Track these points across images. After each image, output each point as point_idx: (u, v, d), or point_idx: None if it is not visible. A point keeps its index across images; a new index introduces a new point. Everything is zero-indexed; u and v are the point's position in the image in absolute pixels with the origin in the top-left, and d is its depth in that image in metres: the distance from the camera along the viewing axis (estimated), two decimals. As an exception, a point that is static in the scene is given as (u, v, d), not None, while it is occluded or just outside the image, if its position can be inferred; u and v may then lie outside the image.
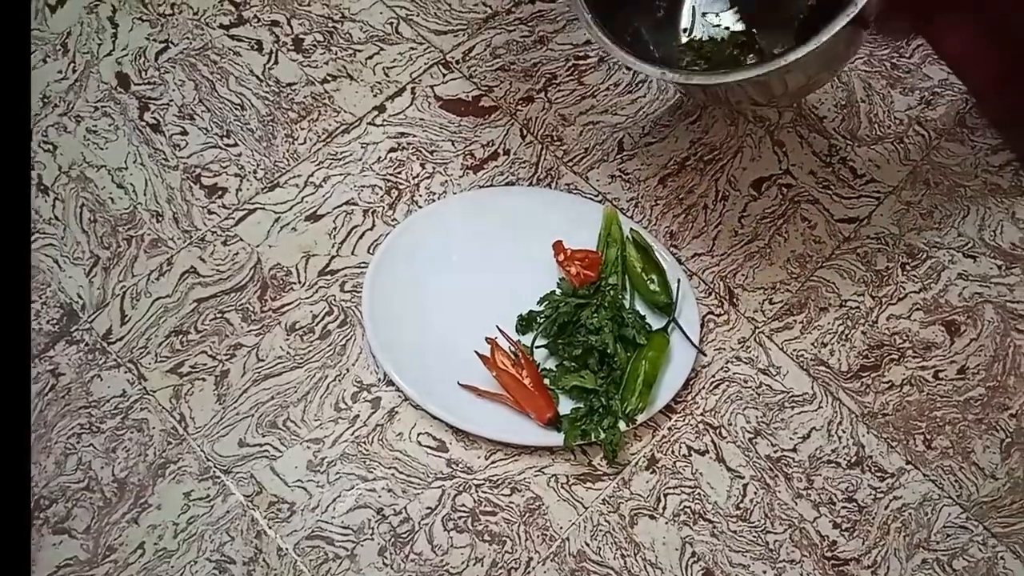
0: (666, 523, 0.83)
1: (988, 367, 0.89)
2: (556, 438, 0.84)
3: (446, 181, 0.97)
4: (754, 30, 0.95)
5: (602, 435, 0.83)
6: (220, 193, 0.96)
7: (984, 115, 0.99)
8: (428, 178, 0.97)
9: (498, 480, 0.84)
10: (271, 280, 0.91)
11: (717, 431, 0.86)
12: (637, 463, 0.85)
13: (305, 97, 1.01)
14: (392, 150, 0.98)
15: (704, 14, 0.95)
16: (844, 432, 0.86)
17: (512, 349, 0.87)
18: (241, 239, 0.93)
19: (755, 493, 0.84)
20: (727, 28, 0.95)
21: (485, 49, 1.04)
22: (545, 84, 1.02)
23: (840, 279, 0.93)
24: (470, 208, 0.94)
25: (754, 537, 0.82)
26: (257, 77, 1.02)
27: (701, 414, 0.87)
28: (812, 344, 0.90)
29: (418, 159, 0.98)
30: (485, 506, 0.83)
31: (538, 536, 0.82)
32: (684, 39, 0.96)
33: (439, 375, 0.86)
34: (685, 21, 0.96)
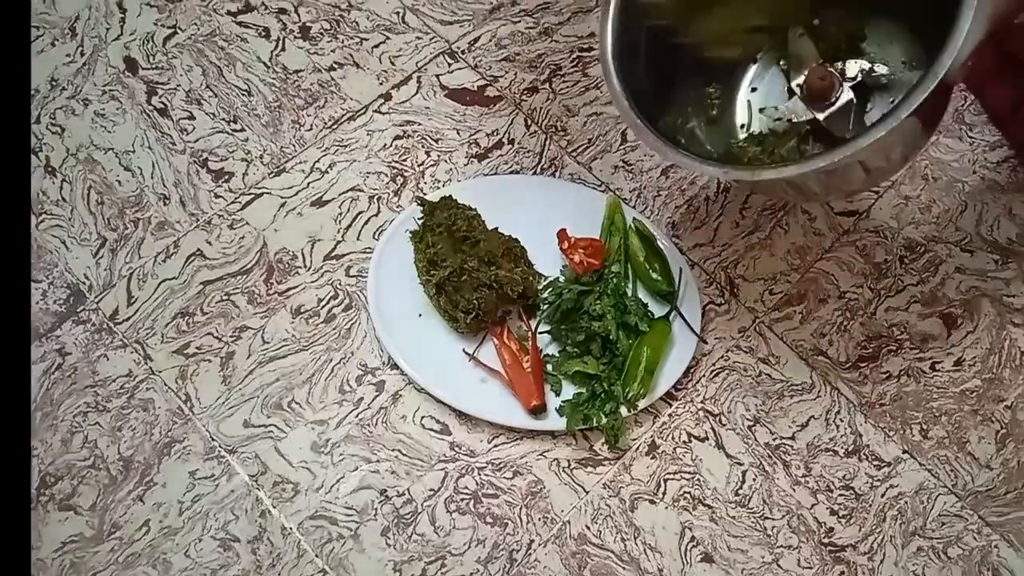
0: (666, 508, 0.84)
1: (984, 359, 0.90)
2: (558, 423, 0.84)
3: (451, 169, 0.98)
4: (819, 117, 0.86)
5: (603, 420, 0.84)
6: (227, 177, 0.96)
7: (1008, 141, 0.99)
8: (433, 166, 0.98)
9: (500, 463, 0.85)
10: (277, 264, 0.92)
11: (717, 418, 0.87)
12: (638, 448, 0.86)
13: (312, 84, 1.02)
14: (397, 138, 0.99)
15: (762, 110, 0.90)
16: (842, 421, 0.87)
17: (524, 332, 0.88)
18: (247, 223, 0.94)
19: (754, 480, 0.85)
20: (789, 120, 0.88)
21: (490, 39, 1.05)
22: (550, 75, 1.03)
23: (839, 271, 0.94)
24: (474, 196, 0.94)
25: (752, 523, 0.83)
26: (264, 64, 1.02)
27: (701, 401, 0.88)
28: (811, 334, 0.91)
29: (423, 147, 0.99)
30: (487, 489, 0.84)
31: (539, 519, 0.83)
32: (743, 135, 0.90)
33: (442, 359, 0.87)
34: (741, 117, 0.91)
